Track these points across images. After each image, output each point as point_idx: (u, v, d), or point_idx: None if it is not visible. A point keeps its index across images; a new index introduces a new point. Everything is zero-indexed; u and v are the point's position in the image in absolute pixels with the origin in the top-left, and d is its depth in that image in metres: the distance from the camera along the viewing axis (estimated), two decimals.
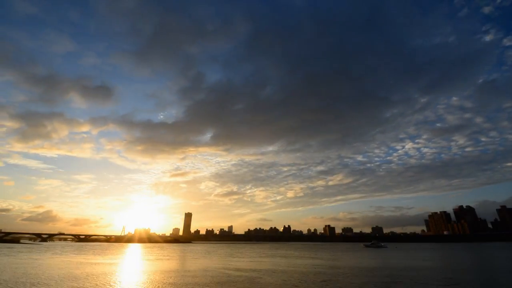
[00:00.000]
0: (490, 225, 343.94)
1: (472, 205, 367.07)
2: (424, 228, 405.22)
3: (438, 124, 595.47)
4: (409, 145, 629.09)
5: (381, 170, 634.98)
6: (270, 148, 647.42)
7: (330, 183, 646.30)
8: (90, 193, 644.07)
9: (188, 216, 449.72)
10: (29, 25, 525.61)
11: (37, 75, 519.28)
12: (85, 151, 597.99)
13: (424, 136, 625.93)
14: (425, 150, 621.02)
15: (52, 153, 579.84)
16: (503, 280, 23.11)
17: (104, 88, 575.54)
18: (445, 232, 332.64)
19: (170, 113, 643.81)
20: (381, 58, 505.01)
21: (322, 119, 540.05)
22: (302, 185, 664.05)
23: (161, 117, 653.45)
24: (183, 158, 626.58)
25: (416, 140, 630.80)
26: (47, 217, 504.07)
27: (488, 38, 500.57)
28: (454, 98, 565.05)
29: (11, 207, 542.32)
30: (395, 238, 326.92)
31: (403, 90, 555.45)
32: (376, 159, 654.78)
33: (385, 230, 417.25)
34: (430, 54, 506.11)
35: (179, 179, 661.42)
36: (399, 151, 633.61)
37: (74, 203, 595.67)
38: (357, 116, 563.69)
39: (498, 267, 34.31)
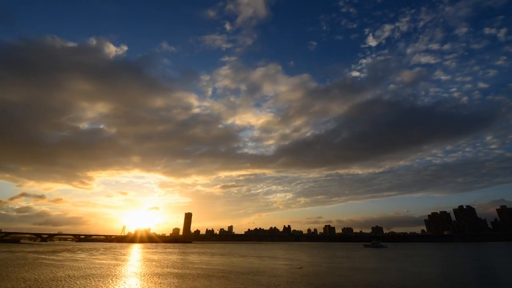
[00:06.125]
0: (490, 225, 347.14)
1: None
2: (424, 228, 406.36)
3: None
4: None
5: (399, 169, 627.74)
6: (314, 169, 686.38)
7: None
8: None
9: (188, 217, 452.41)
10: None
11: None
12: (168, 173, 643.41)
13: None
14: (449, 147, 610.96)
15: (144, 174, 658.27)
16: (504, 281, 23.93)
17: (234, 136, 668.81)
18: (445, 232, 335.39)
19: (265, 149, 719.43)
20: (428, 124, 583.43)
21: (365, 154, 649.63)
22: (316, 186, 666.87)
23: (254, 151, 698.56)
24: (237, 175, 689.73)
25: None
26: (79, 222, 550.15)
27: None
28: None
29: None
30: (395, 238, 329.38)
31: (441, 135, 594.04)
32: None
33: (386, 230, 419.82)
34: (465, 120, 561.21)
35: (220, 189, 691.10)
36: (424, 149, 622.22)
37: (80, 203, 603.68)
38: (397, 149, 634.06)
39: (498, 268, 35.94)
